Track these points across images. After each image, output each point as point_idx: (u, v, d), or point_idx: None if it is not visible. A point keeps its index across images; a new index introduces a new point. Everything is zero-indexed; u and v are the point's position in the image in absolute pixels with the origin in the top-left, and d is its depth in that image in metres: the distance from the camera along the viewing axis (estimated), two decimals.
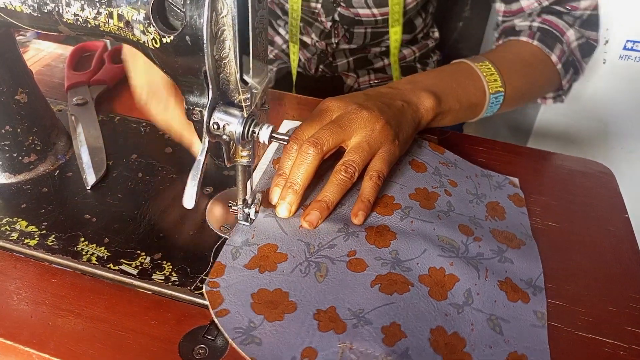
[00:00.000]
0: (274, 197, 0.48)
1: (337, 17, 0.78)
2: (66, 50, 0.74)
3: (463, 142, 0.63)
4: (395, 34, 0.79)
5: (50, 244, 0.45)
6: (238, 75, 0.37)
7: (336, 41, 0.82)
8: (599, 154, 0.95)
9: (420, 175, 0.53)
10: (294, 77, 0.87)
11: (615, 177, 0.60)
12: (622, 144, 0.94)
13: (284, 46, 0.88)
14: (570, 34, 0.67)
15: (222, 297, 0.40)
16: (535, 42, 0.66)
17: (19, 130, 0.51)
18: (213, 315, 0.39)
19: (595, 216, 0.54)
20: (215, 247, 0.45)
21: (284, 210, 0.47)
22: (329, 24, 0.79)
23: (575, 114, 0.94)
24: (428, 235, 0.46)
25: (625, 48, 0.83)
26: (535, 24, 0.67)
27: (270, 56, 0.91)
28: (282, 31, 0.88)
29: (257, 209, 0.47)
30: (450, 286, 0.42)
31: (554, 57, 0.66)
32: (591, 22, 0.69)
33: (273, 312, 0.39)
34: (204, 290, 0.41)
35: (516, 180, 0.57)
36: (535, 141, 1.01)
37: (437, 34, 0.91)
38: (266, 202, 0.48)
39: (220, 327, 0.38)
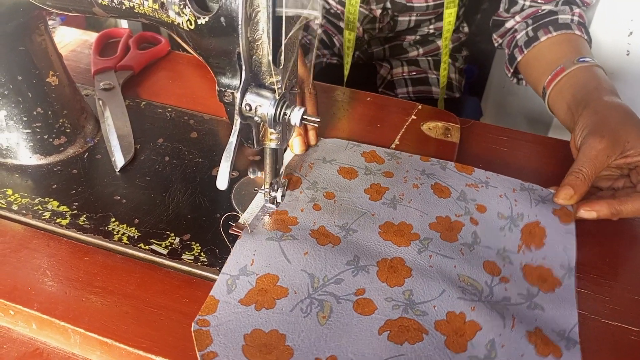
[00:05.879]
0: None
1: (388, 5, 0.79)
2: (91, 36, 0.75)
3: (485, 131, 0.63)
4: (449, 16, 0.78)
5: (82, 223, 0.46)
6: (270, 57, 0.37)
7: (380, 27, 0.81)
8: None
9: (443, 202, 0.49)
10: (346, 69, 0.85)
11: None
12: None
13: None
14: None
15: (210, 337, 0.36)
16: (586, 37, 0.66)
17: (49, 112, 0.52)
18: (199, 359, 0.35)
19: None
20: (222, 219, 0.46)
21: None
22: (378, 12, 0.79)
23: None
24: (448, 273, 0.42)
25: None
26: (576, 18, 0.67)
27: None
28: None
29: (284, 193, 0.47)
30: (470, 335, 0.38)
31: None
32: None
33: (266, 358, 0.35)
34: (192, 329, 0.37)
35: None
36: (555, 134, 1.00)
37: (466, 29, 0.91)
38: (271, 224, 0.46)
39: None
